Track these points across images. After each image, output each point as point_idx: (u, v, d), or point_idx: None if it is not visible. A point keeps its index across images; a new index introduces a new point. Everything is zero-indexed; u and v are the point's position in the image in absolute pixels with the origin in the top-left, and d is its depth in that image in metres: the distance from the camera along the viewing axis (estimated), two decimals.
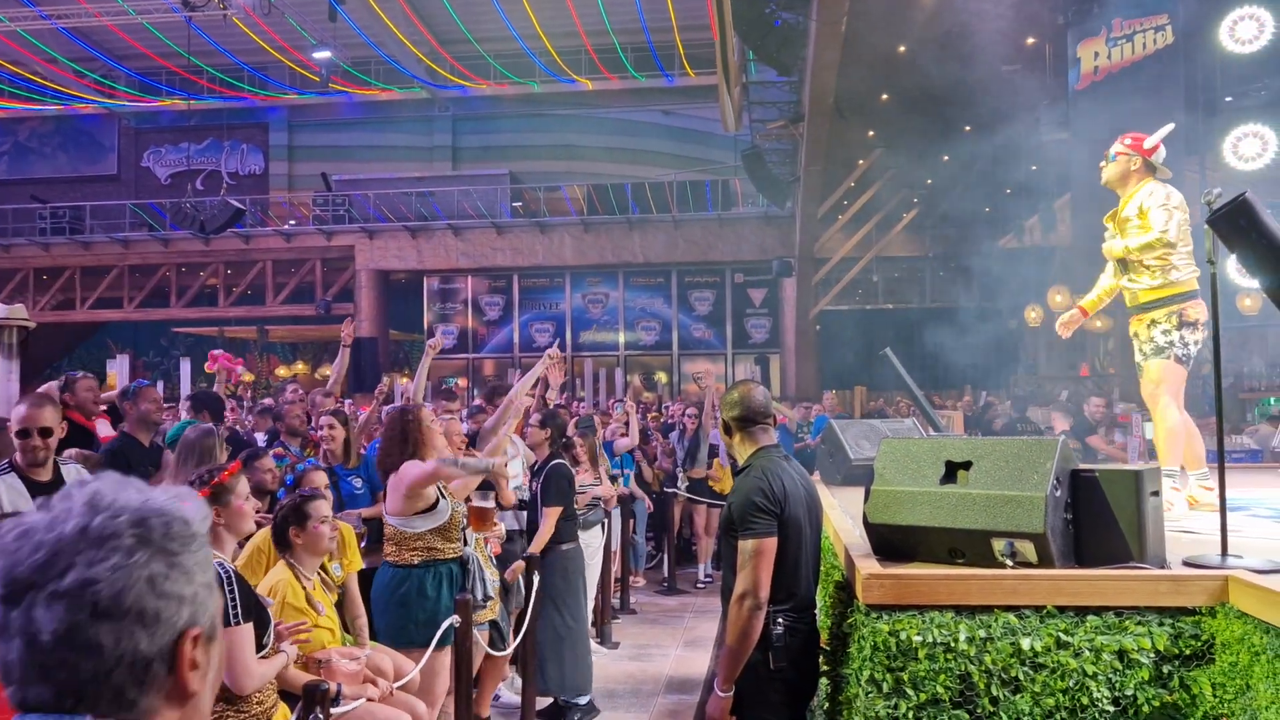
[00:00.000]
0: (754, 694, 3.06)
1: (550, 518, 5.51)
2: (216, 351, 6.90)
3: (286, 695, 3.32)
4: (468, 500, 4.65)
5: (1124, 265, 4.50)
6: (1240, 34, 11.09)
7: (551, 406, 6.54)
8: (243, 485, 3.17)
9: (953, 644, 2.73)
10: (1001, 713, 2.71)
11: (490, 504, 4.73)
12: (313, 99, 26.94)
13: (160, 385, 10.99)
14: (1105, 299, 4.70)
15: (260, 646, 3.02)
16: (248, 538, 3.72)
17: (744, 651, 2.99)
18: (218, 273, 25.12)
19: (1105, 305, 4.75)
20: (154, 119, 28.97)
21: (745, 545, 2.99)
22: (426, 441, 4.30)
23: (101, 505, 0.96)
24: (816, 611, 3.30)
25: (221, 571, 2.94)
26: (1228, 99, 11.50)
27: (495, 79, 26.64)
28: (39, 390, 4.50)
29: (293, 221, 25.49)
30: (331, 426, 5.55)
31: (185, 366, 12.36)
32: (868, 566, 2.93)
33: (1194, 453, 4.55)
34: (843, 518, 4.02)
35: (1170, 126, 4.61)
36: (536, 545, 5.44)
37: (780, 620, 3.06)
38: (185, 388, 10.85)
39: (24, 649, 0.93)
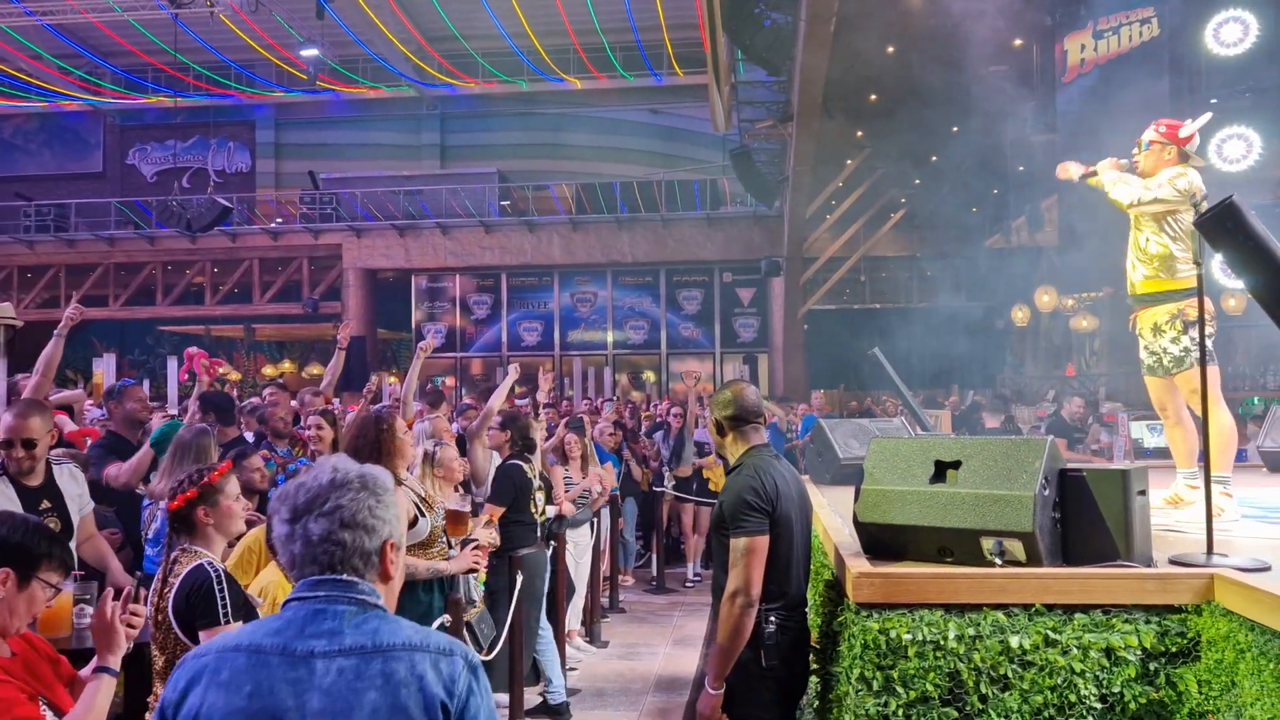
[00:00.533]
0: (745, 691, 3.07)
1: (489, 514, 5.49)
2: (191, 350, 6.82)
3: None
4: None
5: (1133, 248, 4.41)
6: (1225, 36, 11.17)
7: (514, 407, 6.51)
8: (232, 485, 3.16)
9: (942, 642, 2.75)
10: (990, 710, 2.73)
11: (467, 508, 4.72)
12: (300, 97, 26.82)
13: (146, 384, 10.94)
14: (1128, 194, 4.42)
15: None
16: (239, 537, 3.70)
17: (736, 649, 3.00)
18: (204, 271, 25.01)
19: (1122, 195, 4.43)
20: (140, 116, 28.81)
21: (737, 543, 3.01)
22: (398, 452, 4.27)
23: (339, 468, 1.75)
24: (807, 610, 3.32)
25: (211, 571, 2.94)
26: (1213, 100, 11.58)
27: (483, 77, 26.59)
28: (27, 398, 4.43)
29: (280, 220, 25.40)
30: (320, 426, 5.54)
31: (171, 365, 12.30)
32: (858, 565, 2.95)
33: (1190, 449, 4.55)
34: (832, 517, 4.04)
35: (1208, 116, 4.52)
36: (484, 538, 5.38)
37: (772, 618, 3.07)
38: (172, 386, 10.78)
39: (302, 546, 1.70)
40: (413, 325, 24.38)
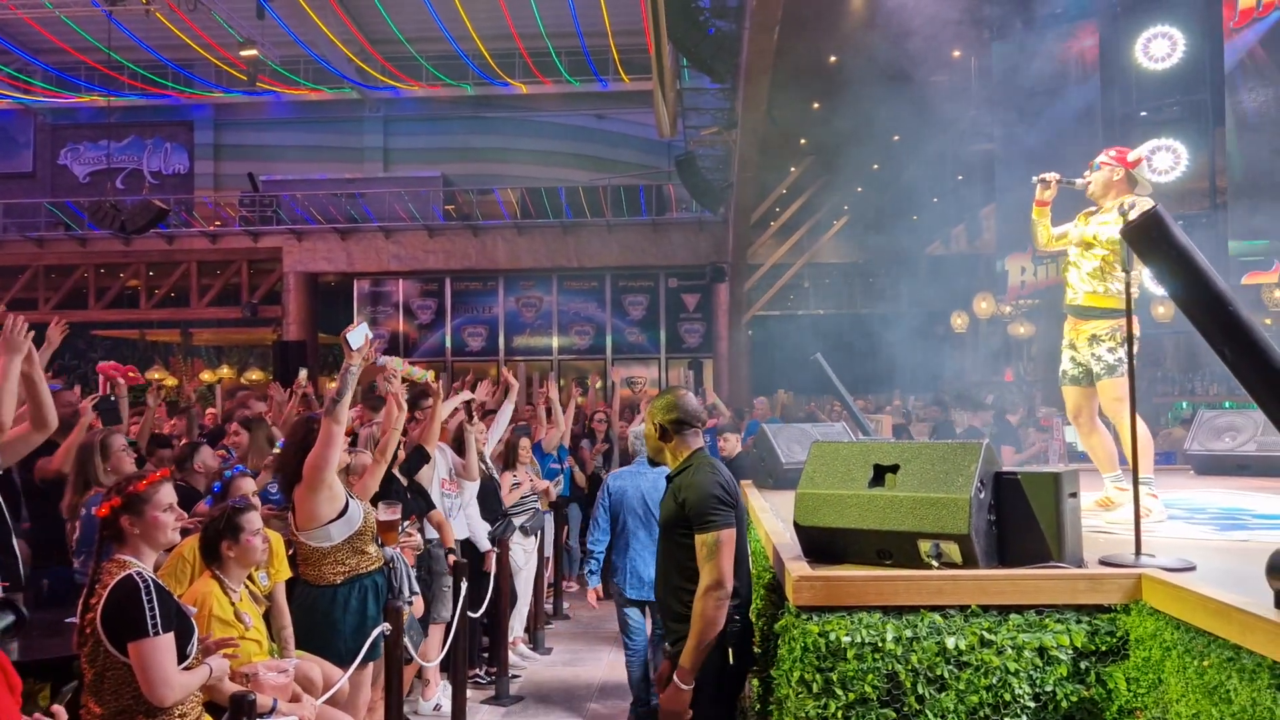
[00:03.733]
0: (708, 686, 3.15)
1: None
2: (102, 365, 6.66)
3: (215, 709, 3.24)
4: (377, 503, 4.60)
5: (1077, 259, 4.59)
6: (1154, 51, 11.50)
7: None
8: (163, 495, 3.05)
9: (880, 644, 2.79)
10: (927, 710, 2.77)
11: (396, 515, 4.68)
12: (240, 98, 26.35)
13: (77, 389, 10.62)
14: (1054, 236, 4.76)
15: (183, 657, 2.94)
16: (172, 548, 3.62)
17: (709, 643, 3.08)
18: (139, 274, 24.43)
19: (1048, 234, 4.76)
20: (72, 115, 28.05)
21: (707, 538, 3.10)
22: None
23: None
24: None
25: (140, 581, 2.86)
26: (1143, 114, 11.91)
27: (427, 80, 26.38)
28: None
29: (218, 222, 24.90)
30: (236, 432, 5.47)
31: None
32: (798, 568, 2.97)
33: (1110, 453, 4.71)
34: (774, 520, 4.07)
35: (1155, 142, 4.80)
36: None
37: (736, 616, 3.18)
38: (104, 392, 10.50)
39: None
40: None
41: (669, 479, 3.35)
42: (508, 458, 7.05)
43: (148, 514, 2.96)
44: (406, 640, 4.52)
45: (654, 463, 3.61)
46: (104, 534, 2.98)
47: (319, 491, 4.08)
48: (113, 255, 23.92)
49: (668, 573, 3.31)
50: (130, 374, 6.38)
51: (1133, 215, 2.99)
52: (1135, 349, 3.93)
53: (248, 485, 4.38)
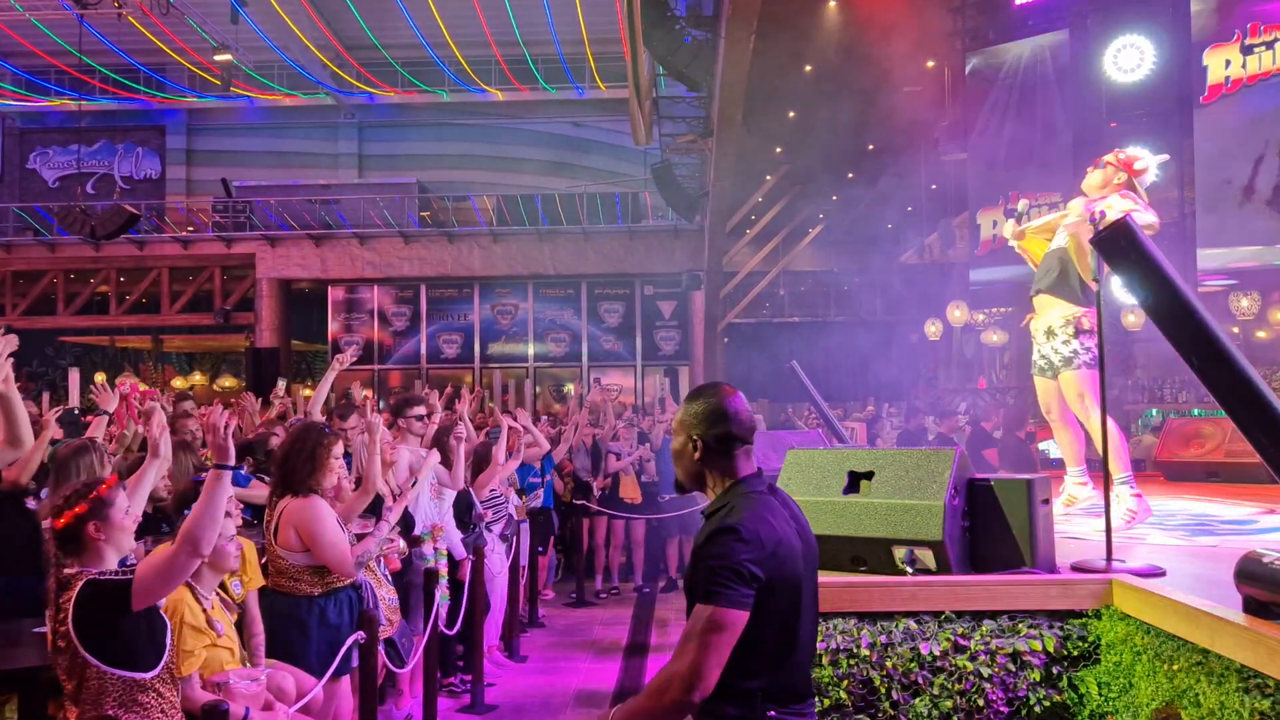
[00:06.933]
0: None
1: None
2: (124, 390, 6.53)
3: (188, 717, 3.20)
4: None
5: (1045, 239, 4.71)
6: (1122, 62, 11.66)
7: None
8: (122, 499, 3.03)
9: (855, 650, 2.80)
10: (901, 716, 2.78)
11: (369, 529, 4.67)
12: (213, 103, 26.13)
13: (45, 396, 10.50)
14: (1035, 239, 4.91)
15: (151, 666, 2.89)
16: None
17: None
18: (109, 280, 24.15)
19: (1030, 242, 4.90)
20: (41, 119, 27.72)
21: (702, 610, 2.12)
22: (330, 470, 4.23)
23: None
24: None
25: (101, 577, 2.83)
26: (1112, 125, 12.07)
27: (403, 86, 26.29)
28: None
29: (191, 228, 24.68)
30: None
31: (74, 377, 11.84)
32: None
33: (1076, 450, 4.76)
34: None
35: (1164, 157, 4.85)
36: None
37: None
38: (74, 398, 10.39)
39: None
40: (329, 337, 23.90)
41: (706, 516, 2.31)
42: (477, 466, 7.00)
43: (113, 517, 2.93)
44: (399, 647, 4.51)
45: (683, 490, 2.45)
46: (60, 546, 2.91)
47: (313, 548, 4.11)
48: (82, 261, 23.64)
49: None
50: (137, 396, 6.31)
51: (1103, 225, 3.03)
52: (1092, 345, 3.98)
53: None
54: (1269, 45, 10.46)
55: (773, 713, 2.19)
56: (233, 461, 3.01)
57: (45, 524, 2.93)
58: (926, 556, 2.97)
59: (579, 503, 9.47)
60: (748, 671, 2.16)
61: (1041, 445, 9.36)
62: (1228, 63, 10.75)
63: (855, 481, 3.16)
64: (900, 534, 2.99)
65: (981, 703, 2.78)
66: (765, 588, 2.14)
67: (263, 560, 4.36)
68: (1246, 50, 10.62)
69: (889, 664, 2.80)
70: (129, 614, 2.79)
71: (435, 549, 5.81)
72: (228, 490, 3.03)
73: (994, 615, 2.87)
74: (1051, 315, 4.63)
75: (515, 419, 8.06)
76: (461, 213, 24.65)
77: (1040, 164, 12.50)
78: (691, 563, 2.24)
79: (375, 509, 4.75)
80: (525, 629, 7.85)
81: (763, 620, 2.14)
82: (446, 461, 6.03)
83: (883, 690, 2.79)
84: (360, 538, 4.51)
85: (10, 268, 23.80)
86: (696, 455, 2.33)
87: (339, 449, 4.33)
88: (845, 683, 2.78)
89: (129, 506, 3.04)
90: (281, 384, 7.49)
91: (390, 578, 4.98)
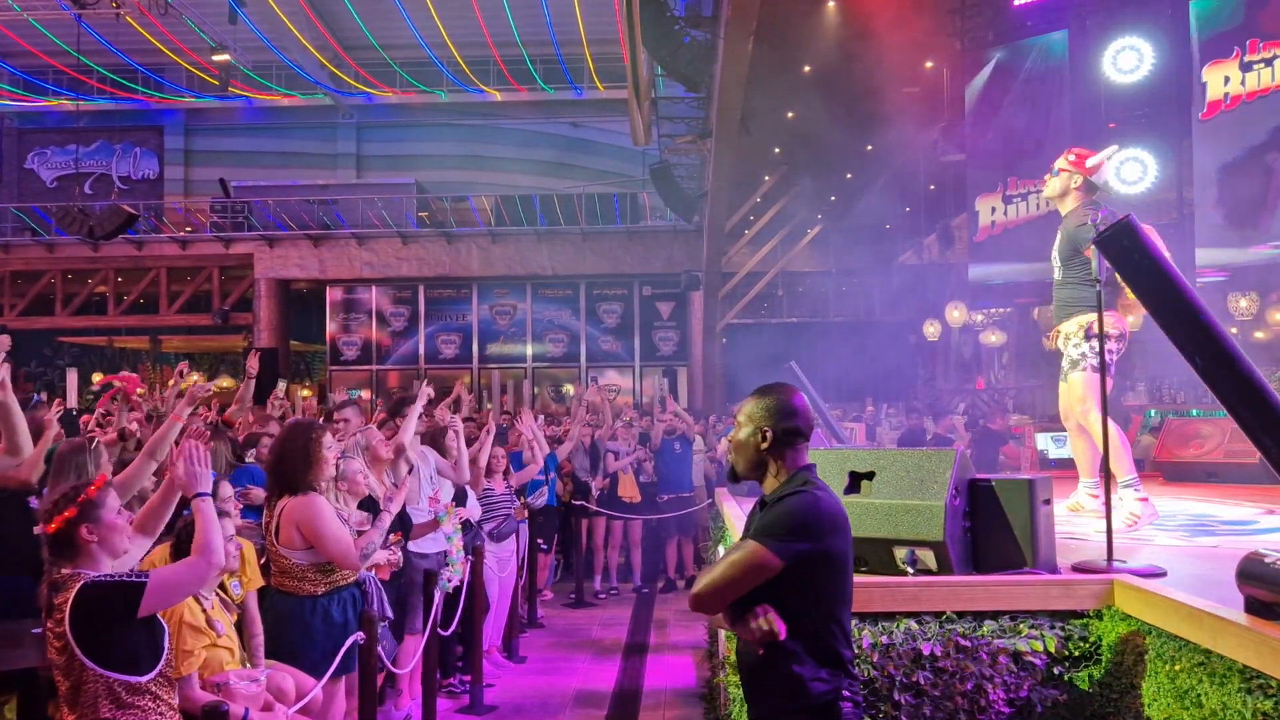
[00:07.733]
0: None
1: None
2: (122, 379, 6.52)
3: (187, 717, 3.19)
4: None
5: (1060, 257, 4.66)
6: (1121, 63, 11.67)
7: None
8: (113, 499, 3.00)
9: (856, 650, 2.79)
10: (902, 716, 2.78)
11: (367, 526, 4.65)
12: (211, 103, 26.13)
13: (44, 396, 10.51)
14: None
15: (148, 669, 2.87)
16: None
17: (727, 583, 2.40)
18: (108, 280, 24.13)
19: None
20: (39, 119, 27.69)
21: (745, 543, 2.41)
22: (325, 463, 4.22)
23: None
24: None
25: (98, 580, 2.81)
26: (1111, 125, 12.06)
27: (401, 87, 26.28)
28: None
29: (189, 228, 24.66)
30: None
31: (71, 377, 11.84)
32: None
33: (1090, 459, 4.72)
34: None
35: (1114, 148, 4.76)
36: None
37: (846, 694, 2.37)
38: (72, 399, 10.39)
39: None
40: (327, 337, 23.90)
41: (761, 504, 2.56)
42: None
43: (105, 519, 2.90)
44: (380, 650, 4.49)
45: (737, 478, 2.65)
46: (55, 549, 2.89)
47: (314, 547, 4.10)
48: (80, 261, 23.63)
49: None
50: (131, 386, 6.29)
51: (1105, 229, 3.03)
52: (1116, 346, 3.94)
53: (224, 490, 4.28)
54: (1268, 62, 10.44)
55: (846, 692, 2.37)
56: (207, 488, 3.05)
57: (37, 529, 2.90)
58: (927, 557, 2.97)
59: (578, 503, 9.46)
60: (837, 638, 2.38)
61: (1040, 446, 9.34)
62: (1226, 79, 10.74)
63: (856, 482, 3.16)
64: (901, 534, 2.99)
65: (983, 703, 2.78)
66: (826, 557, 2.37)
67: (262, 561, 4.35)
68: (1246, 67, 10.60)
69: (890, 665, 2.79)
70: (132, 619, 2.77)
71: (455, 527, 5.78)
72: (213, 509, 3.06)
73: (995, 616, 2.87)
74: (1069, 323, 4.62)
75: (520, 420, 8.07)
76: (460, 213, 24.65)
77: (1038, 156, 12.48)
78: (755, 520, 2.48)
79: (374, 509, 4.75)
80: (524, 629, 7.84)
81: (836, 588, 2.41)
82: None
83: (884, 691, 2.78)
84: (359, 535, 4.50)
85: (8, 268, 23.78)
86: (764, 445, 2.53)
87: (329, 439, 4.31)
88: None
89: (120, 505, 3.02)
90: (281, 385, 7.46)
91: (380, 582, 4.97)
